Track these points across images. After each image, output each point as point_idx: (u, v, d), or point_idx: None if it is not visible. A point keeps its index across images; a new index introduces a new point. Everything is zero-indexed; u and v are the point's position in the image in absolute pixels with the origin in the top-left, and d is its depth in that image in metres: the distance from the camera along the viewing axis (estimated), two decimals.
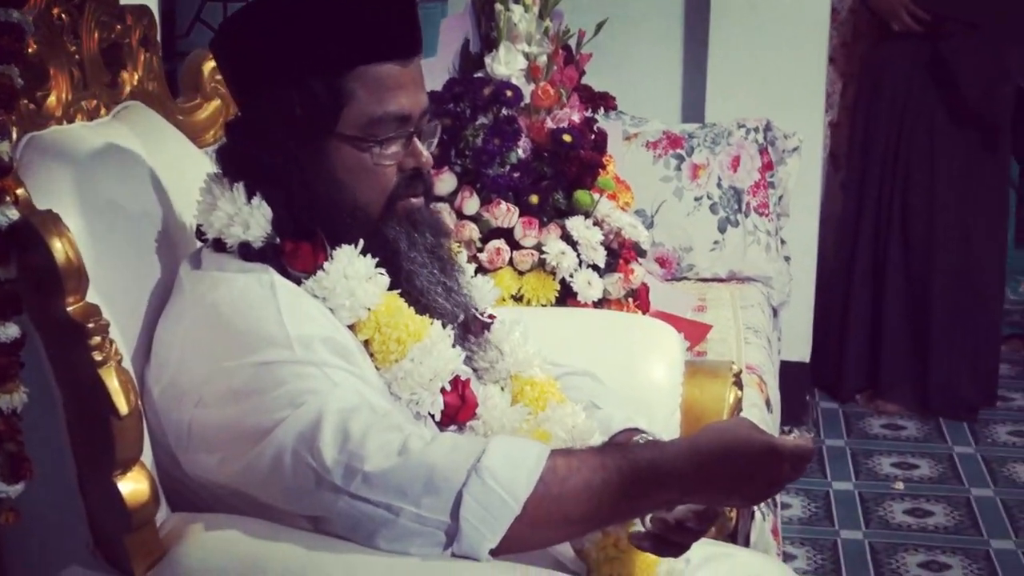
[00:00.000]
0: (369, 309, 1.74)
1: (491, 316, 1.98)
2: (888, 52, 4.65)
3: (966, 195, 4.58)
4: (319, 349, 1.67)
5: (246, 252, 1.74)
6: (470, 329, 1.92)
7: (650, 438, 1.98)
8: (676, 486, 1.61)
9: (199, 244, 1.83)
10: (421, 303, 1.79)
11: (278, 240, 1.74)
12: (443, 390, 1.80)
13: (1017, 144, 4.61)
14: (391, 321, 1.75)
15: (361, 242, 1.75)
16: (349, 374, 1.67)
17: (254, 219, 1.73)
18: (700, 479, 1.60)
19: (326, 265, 1.74)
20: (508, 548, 1.58)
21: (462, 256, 2.04)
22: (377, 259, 1.75)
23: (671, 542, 1.72)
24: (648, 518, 1.72)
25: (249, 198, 1.74)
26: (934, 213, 4.60)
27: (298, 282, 1.75)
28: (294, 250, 1.75)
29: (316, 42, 1.74)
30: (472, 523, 1.54)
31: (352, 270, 1.73)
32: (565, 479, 1.59)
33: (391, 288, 1.77)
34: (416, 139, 1.79)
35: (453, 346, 1.84)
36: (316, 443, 1.58)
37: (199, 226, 1.81)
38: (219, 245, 1.76)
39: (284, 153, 1.75)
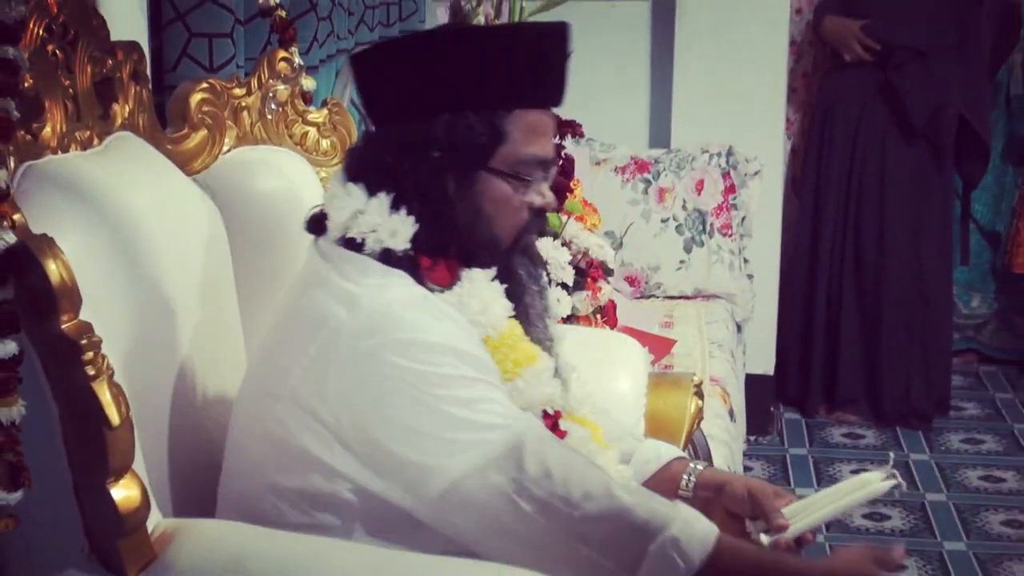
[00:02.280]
0: (497, 329, 1.75)
1: (570, 366, 1.97)
2: (841, 81, 4.67)
3: (915, 216, 4.60)
4: (486, 364, 1.71)
5: (388, 258, 1.73)
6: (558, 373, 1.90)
7: (700, 468, 2.04)
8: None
9: (313, 239, 1.81)
10: (528, 332, 1.81)
11: (412, 252, 1.74)
12: (546, 412, 1.81)
13: (961, 164, 4.63)
14: (513, 343, 1.76)
15: (495, 268, 1.77)
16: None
17: (402, 230, 1.73)
18: None
19: (462, 282, 1.76)
20: None
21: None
22: (505, 285, 1.77)
23: None
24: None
25: (395, 209, 1.74)
26: (885, 233, 4.62)
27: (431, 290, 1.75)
28: (432, 265, 1.75)
29: (482, 80, 1.75)
30: None
31: (487, 291, 1.75)
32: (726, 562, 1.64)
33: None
34: (545, 181, 1.81)
35: (554, 375, 1.85)
36: (519, 472, 1.61)
37: (321, 216, 1.80)
38: (351, 244, 1.75)
39: (437, 176, 1.75)
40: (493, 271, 1.77)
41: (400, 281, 1.71)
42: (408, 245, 1.73)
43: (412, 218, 1.74)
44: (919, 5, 4.48)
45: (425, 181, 1.75)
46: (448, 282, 1.75)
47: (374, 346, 1.65)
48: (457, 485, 1.60)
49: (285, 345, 1.76)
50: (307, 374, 1.70)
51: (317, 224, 1.80)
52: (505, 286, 1.78)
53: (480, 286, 1.75)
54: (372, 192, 1.75)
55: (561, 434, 1.82)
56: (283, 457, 1.73)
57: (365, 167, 1.79)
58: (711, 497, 2.00)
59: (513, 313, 1.78)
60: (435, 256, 1.75)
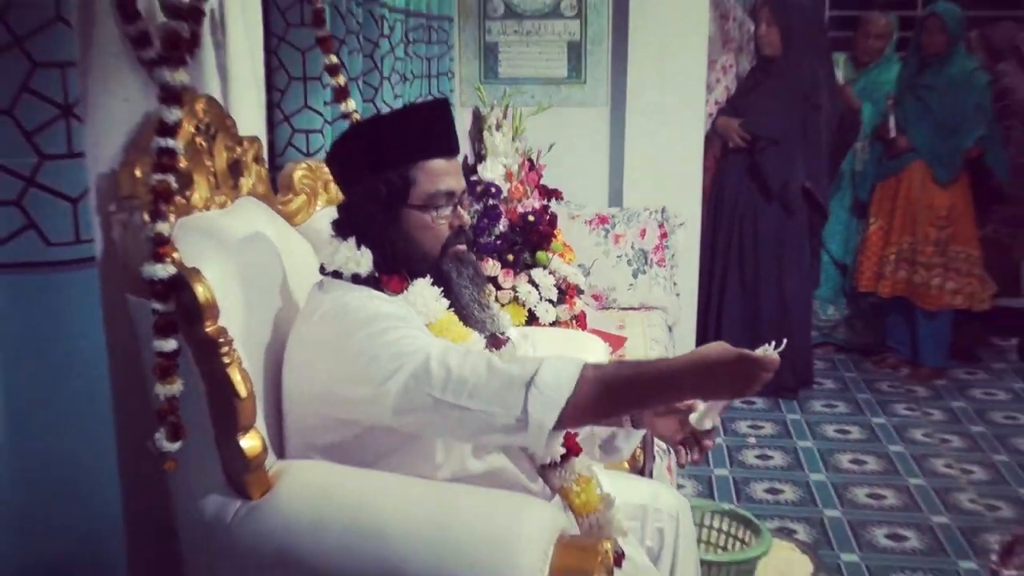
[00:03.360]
0: (437, 318, 1.74)
1: (508, 337, 1.93)
2: (728, 161, 4.63)
3: (779, 255, 4.56)
4: (412, 320, 1.70)
5: (356, 279, 1.76)
6: (495, 343, 1.87)
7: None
8: (678, 385, 1.59)
9: (320, 277, 1.82)
10: (464, 315, 1.79)
11: (376, 274, 1.76)
12: None
13: (812, 217, 4.60)
14: (449, 328, 1.74)
15: (429, 276, 1.77)
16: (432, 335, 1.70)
17: (364, 260, 1.76)
18: (695, 381, 1.57)
19: (409, 288, 1.76)
20: (562, 427, 1.58)
21: (491, 298, 2.03)
22: (441, 288, 1.77)
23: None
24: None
25: (358, 247, 1.77)
26: (759, 267, 4.58)
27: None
28: (388, 280, 1.76)
29: (390, 148, 1.77)
30: (535, 415, 1.53)
31: (427, 292, 1.75)
32: (594, 379, 1.56)
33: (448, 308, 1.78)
34: (459, 207, 1.81)
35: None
36: (428, 377, 1.57)
37: (323, 264, 1.82)
38: (337, 275, 1.78)
39: (376, 220, 1.77)
40: (430, 278, 1.77)
41: (356, 291, 1.73)
42: (371, 268, 1.76)
43: (368, 251, 1.77)
44: (776, 108, 4.44)
45: (371, 223, 1.78)
46: (400, 289, 1.76)
47: (336, 327, 1.68)
48: (398, 399, 1.59)
49: (295, 344, 1.78)
50: (305, 357, 1.74)
51: (321, 268, 1.83)
52: (441, 289, 1.77)
53: (422, 289, 1.75)
54: (344, 238, 1.79)
55: None
56: (311, 420, 1.76)
57: (340, 223, 1.83)
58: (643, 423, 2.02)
59: (448, 305, 1.77)
60: (389, 273, 1.77)
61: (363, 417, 1.69)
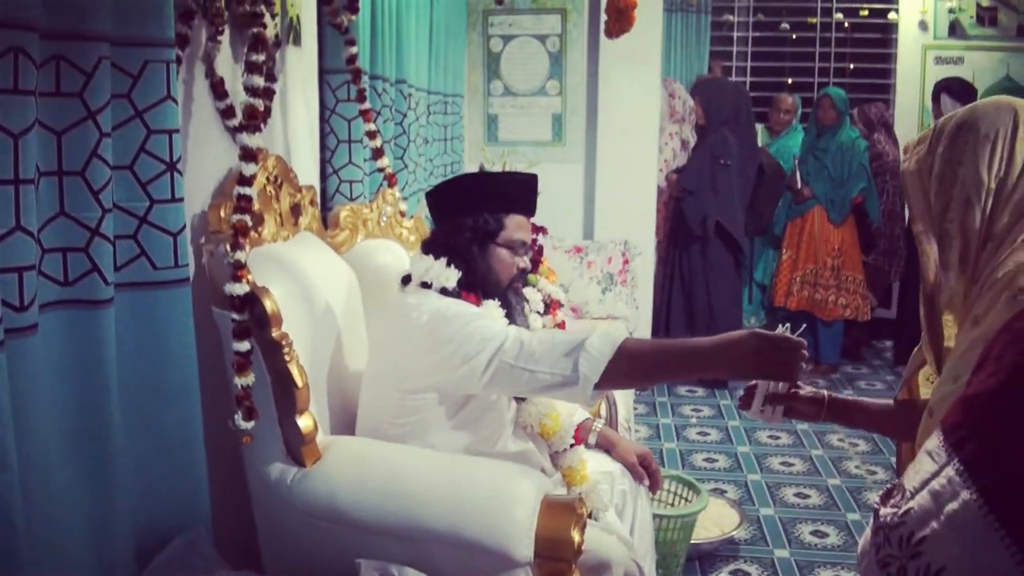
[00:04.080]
0: None
1: None
2: (673, 207, 4.63)
3: (707, 276, 4.54)
4: (491, 315, 1.70)
5: (444, 292, 1.73)
6: None
7: (599, 427, 2.05)
8: (701, 360, 1.50)
9: (401, 285, 1.79)
10: None
11: (458, 289, 1.74)
12: None
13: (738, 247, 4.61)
14: None
15: (498, 300, 1.77)
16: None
17: (452, 276, 1.74)
18: (716, 356, 1.47)
19: (483, 305, 1.75)
20: (601, 388, 1.53)
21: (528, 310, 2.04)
22: (505, 311, 1.77)
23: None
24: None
25: (448, 264, 1.75)
26: (694, 285, 4.57)
27: None
28: (467, 296, 1.75)
29: (494, 196, 1.78)
30: (584, 371, 1.52)
31: (495, 312, 1.74)
32: (634, 347, 1.54)
33: None
34: (525, 256, 1.82)
35: None
36: (505, 351, 1.57)
37: (409, 275, 1.78)
38: (424, 285, 1.74)
39: (468, 248, 1.76)
40: (497, 301, 1.77)
41: (445, 300, 1.70)
42: (455, 285, 1.73)
43: (457, 271, 1.74)
44: (694, 166, 4.51)
45: (463, 251, 1.75)
46: (476, 304, 1.74)
47: (431, 320, 1.65)
48: (488, 369, 1.58)
49: (388, 341, 1.75)
50: (405, 349, 1.70)
51: (406, 279, 1.79)
52: (505, 310, 1.77)
53: (492, 308, 1.74)
54: (436, 258, 1.75)
55: None
56: (393, 399, 1.73)
57: (433, 245, 1.79)
58: (607, 448, 2.05)
59: (507, 322, 1.75)
60: (469, 291, 1.75)
61: (459, 391, 1.68)
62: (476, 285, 1.76)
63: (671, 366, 1.57)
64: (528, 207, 1.81)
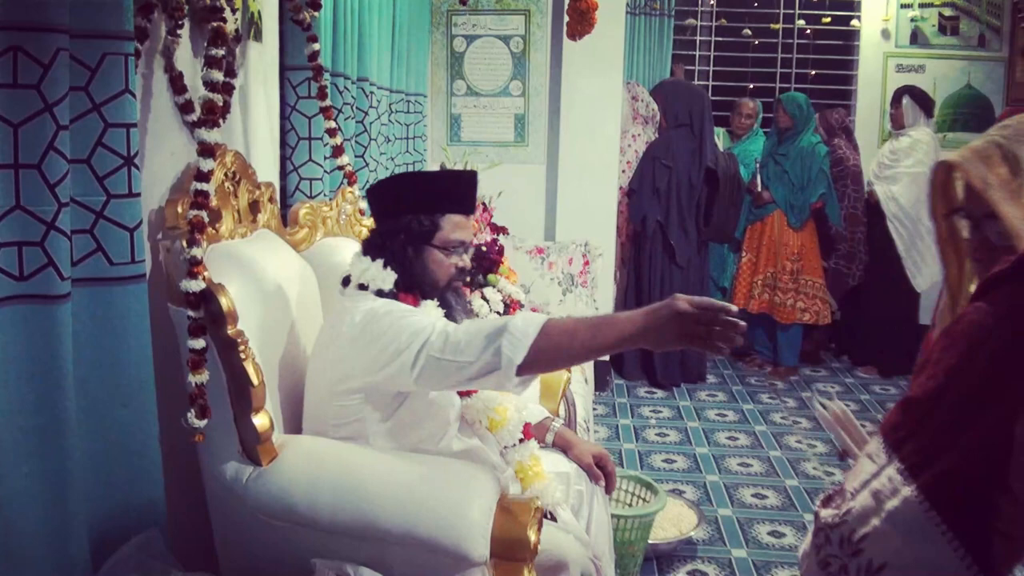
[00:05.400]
0: None
1: None
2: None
3: (689, 280, 4.61)
4: (430, 314, 1.70)
5: (380, 293, 1.74)
6: None
7: (557, 426, 2.09)
8: (627, 333, 1.46)
9: (342, 287, 1.80)
10: None
11: (395, 291, 1.75)
12: None
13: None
14: None
15: (436, 300, 1.78)
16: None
17: (388, 278, 1.75)
18: (640, 328, 1.45)
19: (421, 306, 1.76)
20: (527, 371, 1.52)
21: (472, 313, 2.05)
22: (444, 311, 1.77)
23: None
24: None
25: (385, 267, 1.75)
26: (651, 284, 4.62)
27: None
28: (404, 297, 1.75)
29: (428, 197, 1.77)
30: (506, 353, 1.51)
31: (434, 312, 1.74)
32: (557, 325, 1.52)
33: None
34: (465, 254, 1.81)
35: None
36: (430, 344, 1.57)
37: (348, 277, 1.79)
38: (362, 287, 1.75)
39: (405, 250, 1.76)
40: (436, 301, 1.78)
41: (380, 301, 1.72)
42: (392, 287, 1.75)
43: (393, 273, 1.76)
44: (639, 168, 4.61)
45: (398, 253, 1.76)
46: (414, 305, 1.75)
47: (364, 319, 1.67)
48: (416, 363, 1.59)
49: (326, 343, 1.76)
50: (338, 351, 1.71)
51: (345, 280, 1.81)
52: (444, 310, 1.78)
53: (430, 308, 1.75)
54: (373, 259, 1.77)
55: (474, 389, 1.83)
56: (330, 402, 1.74)
57: (370, 246, 1.81)
58: (564, 448, 2.08)
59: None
60: (406, 292, 1.76)
61: (392, 387, 1.69)
62: (413, 286, 1.78)
63: (596, 340, 1.51)
64: (466, 205, 1.81)
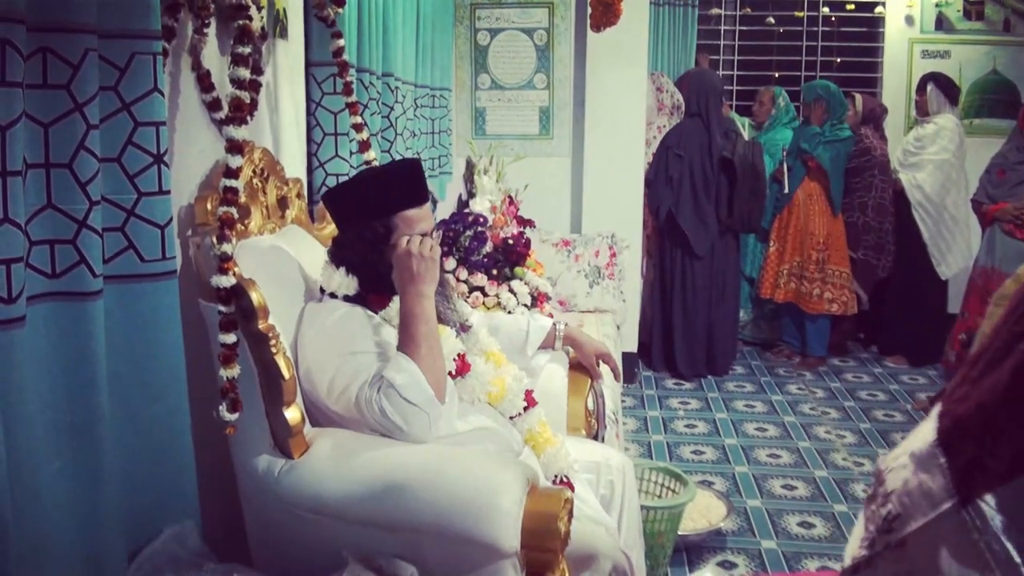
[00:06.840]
0: None
1: (470, 324, 1.96)
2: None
3: (712, 270, 4.60)
4: (381, 343, 1.71)
5: (347, 298, 1.76)
6: (463, 329, 1.91)
7: (563, 327, 2.19)
8: (409, 310, 1.66)
9: (319, 295, 1.83)
10: (438, 317, 1.78)
11: (363, 294, 1.76)
12: (454, 359, 1.81)
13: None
14: None
15: None
16: (378, 358, 1.69)
17: (352, 284, 1.77)
18: (406, 299, 1.67)
19: (391, 305, 1.76)
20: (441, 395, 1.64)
21: (455, 295, 2.03)
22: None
23: None
24: None
25: (347, 274, 1.77)
26: (696, 284, 4.60)
27: (375, 312, 1.78)
28: (374, 300, 1.76)
29: (374, 203, 1.76)
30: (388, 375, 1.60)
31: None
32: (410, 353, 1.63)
33: None
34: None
35: (456, 337, 1.86)
36: (352, 397, 1.64)
37: (322, 287, 1.81)
38: (332, 296, 1.78)
39: (364, 256, 1.77)
40: None
41: (348, 307, 1.75)
42: (356, 291, 1.77)
43: (355, 278, 1.78)
44: (654, 158, 4.61)
45: (359, 258, 1.78)
46: (383, 306, 1.78)
47: (330, 344, 1.70)
48: (350, 402, 1.65)
49: (303, 348, 1.76)
50: (309, 358, 1.72)
51: (321, 288, 1.83)
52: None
53: (399, 305, 1.75)
54: (337, 267, 1.79)
55: (467, 366, 1.84)
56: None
57: (334, 254, 1.83)
58: (573, 346, 2.22)
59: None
60: (374, 293, 1.78)
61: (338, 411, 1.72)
62: (381, 288, 1.78)
63: (415, 328, 1.66)
64: (416, 197, 1.79)
